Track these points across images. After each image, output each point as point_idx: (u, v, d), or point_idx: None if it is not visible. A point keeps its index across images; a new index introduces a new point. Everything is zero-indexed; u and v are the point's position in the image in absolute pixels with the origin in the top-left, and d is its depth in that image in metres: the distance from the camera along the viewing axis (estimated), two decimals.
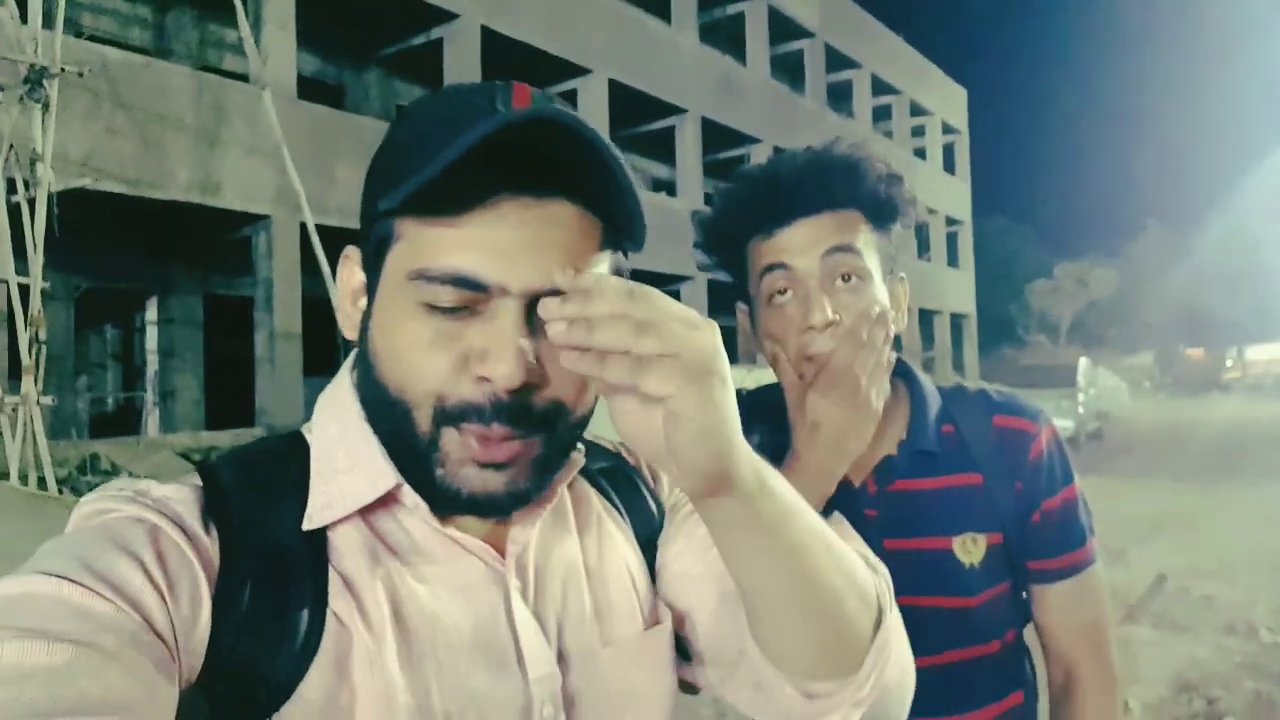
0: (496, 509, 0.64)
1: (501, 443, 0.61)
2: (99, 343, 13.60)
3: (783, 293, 1.12)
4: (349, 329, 0.69)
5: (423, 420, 0.62)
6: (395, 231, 0.63)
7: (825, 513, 1.13)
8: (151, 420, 12.74)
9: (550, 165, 0.60)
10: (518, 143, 0.58)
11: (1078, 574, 1.19)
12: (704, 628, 0.76)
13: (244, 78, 11.25)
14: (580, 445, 0.74)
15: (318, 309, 11.03)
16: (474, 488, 0.62)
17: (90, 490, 0.64)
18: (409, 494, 0.65)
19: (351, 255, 0.69)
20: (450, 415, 0.61)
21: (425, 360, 0.61)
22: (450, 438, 0.61)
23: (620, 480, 0.82)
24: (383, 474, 0.64)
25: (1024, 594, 1.22)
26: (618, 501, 0.81)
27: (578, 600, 0.72)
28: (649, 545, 0.80)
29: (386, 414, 0.63)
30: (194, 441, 10.69)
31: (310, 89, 12.57)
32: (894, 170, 1.15)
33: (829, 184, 1.11)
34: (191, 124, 10.28)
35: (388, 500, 0.65)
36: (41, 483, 7.47)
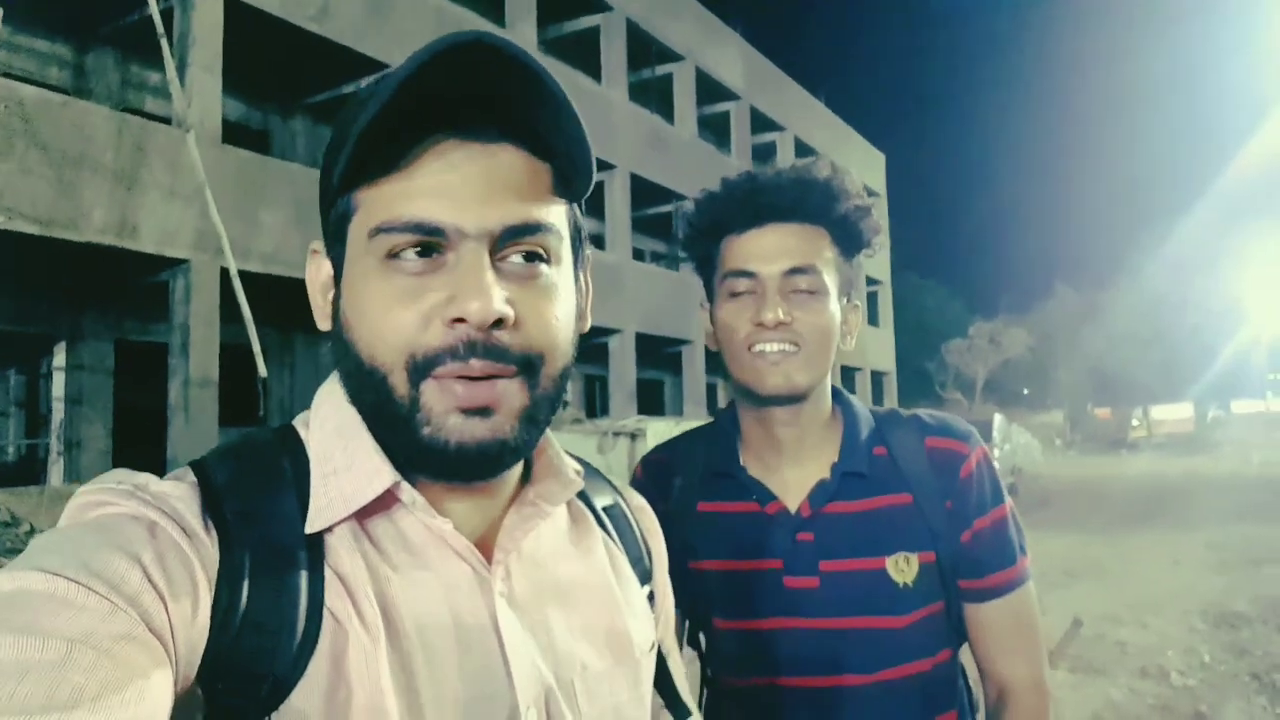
0: (484, 460, 0.63)
1: (483, 382, 0.61)
2: (1, 388, 13.02)
3: (742, 292, 1.17)
4: (322, 320, 0.69)
5: (399, 383, 0.61)
6: (352, 204, 0.64)
7: (766, 539, 1.16)
8: (56, 470, 12.19)
9: (491, 103, 0.61)
10: (456, 85, 0.59)
11: (1010, 592, 1.20)
12: None
13: (167, 120, 11.06)
14: (579, 468, 0.76)
15: (236, 356, 10.77)
16: (460, 437, 0.61)
17: None
18: (406, 490, 0.64)
19: (317, 248, 0.70)
20: (424, 367, 0.61)
21: (392, 319, 0.61)
22: (429, 390, 0.61)
23: (619, 519, 0.84)
24: (379, 472, 0.64)
25: (958, 613, 1.23)
26: (615, 537, 0.82)
27: (567, 614, 0.71)
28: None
29: (366, 386, 0.63)
30: None
31: (235, 134, 12.41)
32: (867, 201, 1.21)
33: (806, 197, 1.17)
34: (110, 165, 10.04)
35: (386, 498, 0.65)
36: None
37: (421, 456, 0.63)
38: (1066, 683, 5.11)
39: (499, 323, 0.61)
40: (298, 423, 0.70)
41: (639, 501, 0.89)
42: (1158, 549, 10.00)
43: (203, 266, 10.72)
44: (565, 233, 0.67)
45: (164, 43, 9.63)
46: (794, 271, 1.15)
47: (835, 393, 1.26)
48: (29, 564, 0.52)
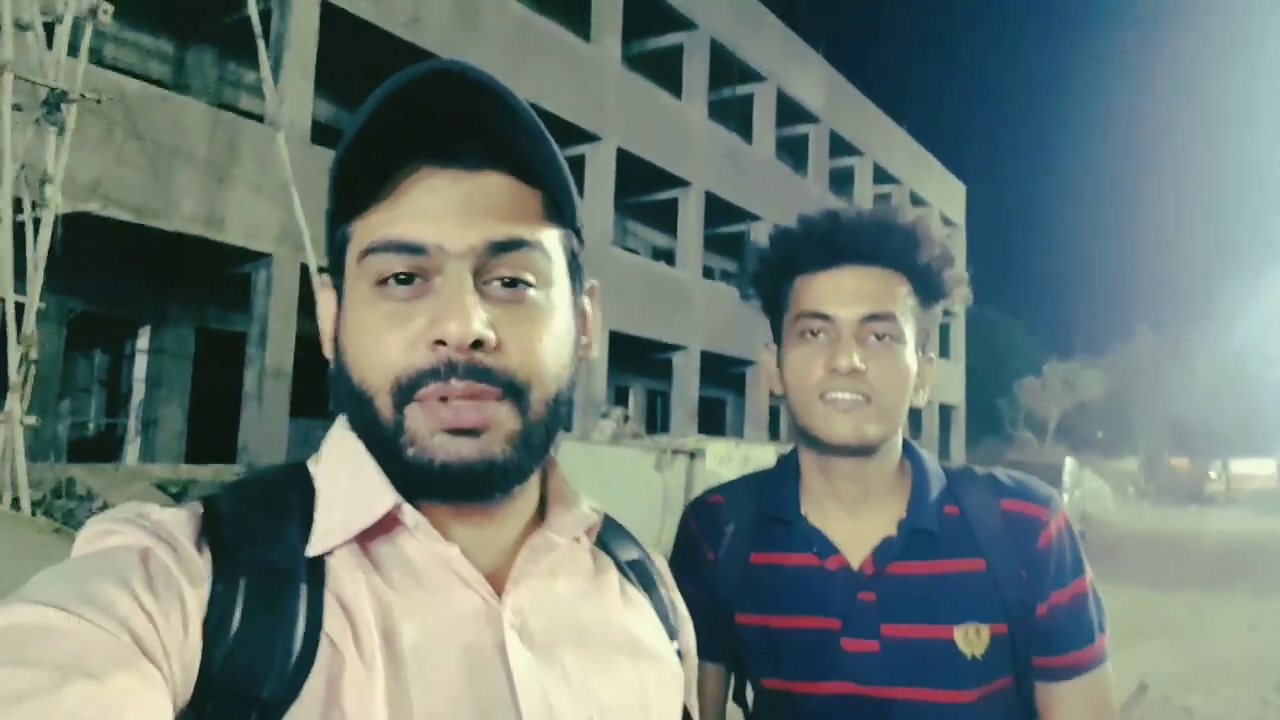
0: (473, 480, 0.62)
1: (467, 403, 0.61)
2: (86, 367, 13.51)
3: (815, 334, 1.12)
4: (328, 349, 0.70)
5: (385, 406, 0.62)
6: (348, 233, 0.66)
7: (824, 596, 1.11)
8: (132, 449, 12.60)
9: (467, 130, 0.62)
10: (436, 112, 0.61)
11: (1086, 673, 1.13)
12: None
13: (259, 118, 11.38)
14: (597, 508, 0.75)
15: (311, 350, 10.99)
16: (446, 455, 0.61)
17: (63, 515, 0.63)
18: (410, 514, 0.64)
19: (325, 280, 0.71)
20: (407, 390, 0.61)
21: (380, 343, 0.62)
22: (413, 414, 0.61)
23: (643, 574, 0.82)
24: (381, 495, 0.63)
25: (1028, 689, 1.16)
26: (641, 590, 0.80)
27: (586, 655, 0.69)
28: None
29: (358, 410, 0.64)
30: (173, 473, 10.55)
31: (324, 134, 12.73)
32: (950, 250, 1.16)
33: (886, 241, 1.12)
34: (202, 158, 10.37)
35: (389, 522, 0.64)
36: (15, 503, 7.34)
37: (411, 477, 0.63)
38: None
39: (481, 344, 0.60)
40: (310, 462, 0.71)
41: (659, 556, 0.88)
42: (1233, 612, 9.59)
43: (284, 261, 11.00)
44: (557, 255, 0.67)
45: (260, 43, 9.93)
46: (872, 318, 1.10)
47: (906, 445, 1.20)
48: (20, 598, 0.52)
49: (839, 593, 1.13)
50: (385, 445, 0.63)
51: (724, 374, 20.95)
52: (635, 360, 18.53)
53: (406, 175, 0.63)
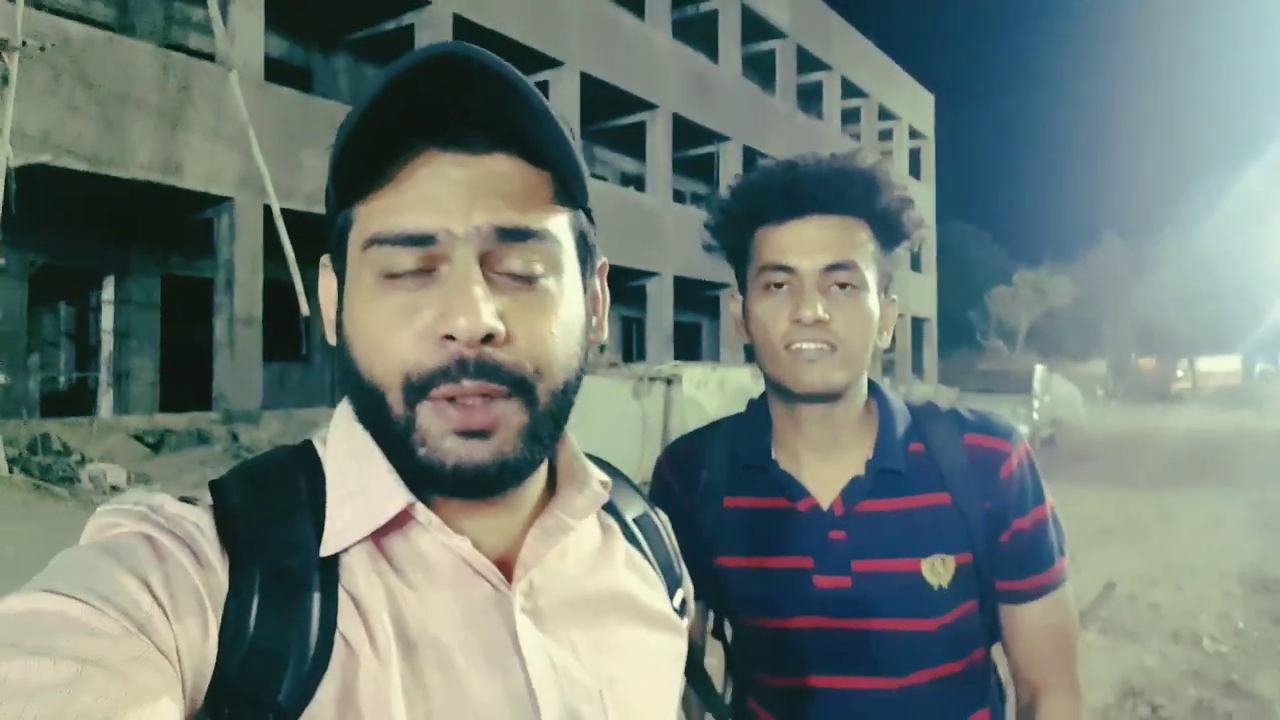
0: (485, 481, 0.62)
1: (478, 403, 0.60)
2: (52, 321, 13.32)
3: (779, 286, 1.14)
4: (331, 334, 0.68)
5: (395, 403, 0.61)
6: (350, 218, 0.64)
7: (797, 537, 1.15)
8: (105, 401, 12.51)
9: (473, 114, 0.61)
10: (440, 97, 0.59)
11: (1047, 594, 1.18)
12: None
13: (210, 58, 11.06)
14: (606, 479, 0.74)
15: (279, 293, 10.89)
16: (458, 458, 0.61)
17: (40, 470, 0.63)
18: (422, 511, 0.64)
19: (325, 263, 0.69)
20: (419, 388, 0.60)
21: (389, 337, 0.60)
22: (425, 412, 0.60)
23: (650, 530, 0.83)
24: (393, 494, 0.63)
25: (992, 611, 1.22)
26: (648, 551, 0.81)
27: (593, 628, 0.70)
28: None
29: (367, 405, 0.63)
30: (148, 424, 10.51)
31: (278, 72, 12.40)
32: (907, 193, 1.17)
33: (847, 189, 1.13)
34: (155, 103, 10.09)
35: (402, 518, 0.64)
36: None
37: (422, 476, 0.63)
38: (1097, 645, 5.10)
39: (491, 337, 0.59)
40: (316, 440, 0.70)
41: (663, 513, 0.89)
42: (1198, 508, 9.86)
43: (246, 204, 10.82)
44: (566, 240, 0.66)
45: None
46: (834, 267, 1.11)
47: (871, 387, 1.23)
48: (40, 585, 0.52)
49: (811, 533, 1.17)
50: (396, 442, 0.62)
51: (697, 298, 20.96)
52: (609, 288, 18.45)
53: (410, 160, 0.61)
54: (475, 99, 0.60)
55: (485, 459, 0.61)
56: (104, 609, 0.52)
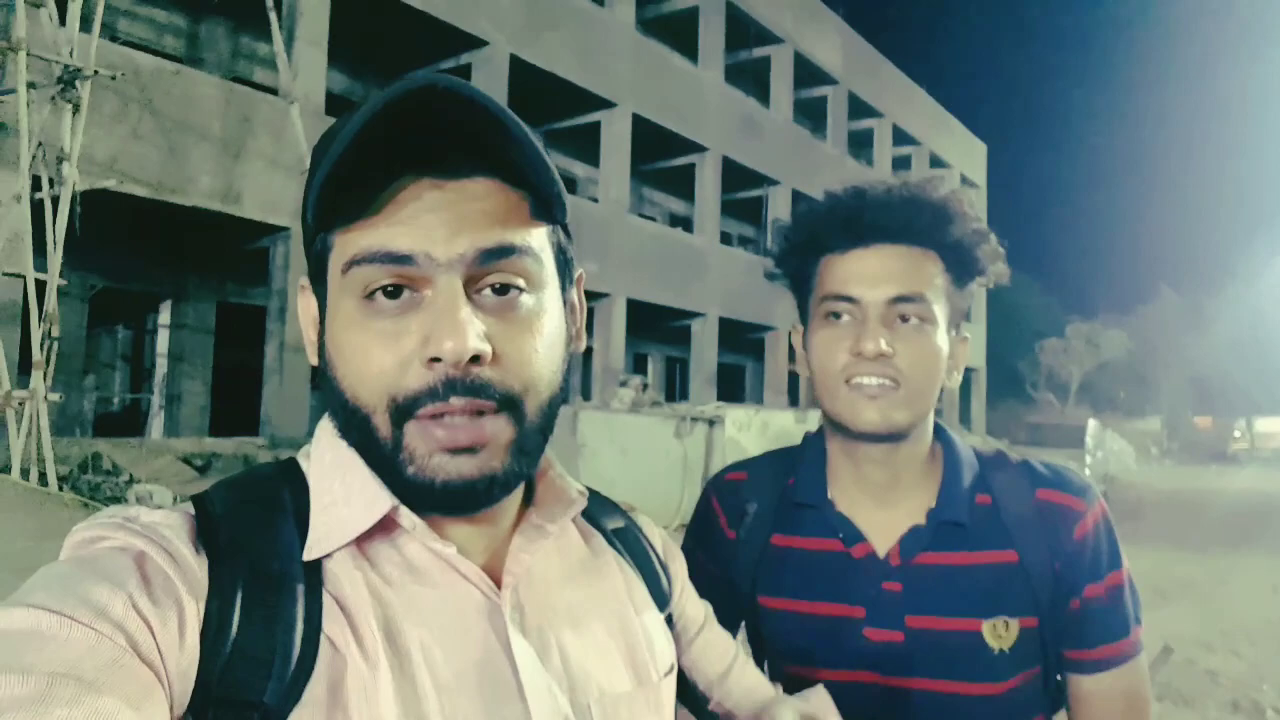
0: (473, 496, 0.63)
1: (464, 420, 0.60)
2: (109, 343, 13.64)
3: (840, 317, 1.08)
4: (312, 355, 0.69)
5: (381, 424, 0.61)
6: (330, 242, 0.64)
7: (848, 584, 1.09)
8: (156, 423, 12.74)
9: (455, 142, 0.61)
10: (418, 123, 0.59)
11: (1119, 666, 1.10)
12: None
13: (273, 91, 11.36)
14: (583, 489, 0.75)
15: None
16: (447, 475, 0.61)
17: (90, 489, 0.62)
18: (406, 515, 0.64)
19: (305, 285, 0.70)
20: (405, 409, 0.60)
21: (373, 361, 0.61)
22: (412, 432, 0.61)
23: (632, 542, 0.83)
24: (377, 499, 0.63)
25: (1056, 679, 1.14)
26: (629, 559, 0.81)
27: (581, 637, 0.70)
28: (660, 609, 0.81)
29: (351, 425, 0.63)
30: (197, 447, 10.67)
31: (338, 106, 12.69)
32: (983, 226, 1.10)
33: (916, 218, 1.07)
34: (217, 133, 10.37)
35: (386, 524, 0.64)
36: (43, 479, 7.44)
37: (410, 494, 0.63)
38: (1153, 713, 4.91)
39: (477, 359, 0.60)
40: (300, 456, 0.70)
41: (647, 520, 0.88)
42: (1255, 572, 9.51)
43: (301, 235, 11.02)
44: (546, 256, 0.66)
45: (273, 15, 9.89)
46: (899, 300, 1.05)
47: (938, 430, 1.16)
48: (14, 601, 0.52)
49: (863, 581, 1.10)
50: (383, 461, 0.63)
51: (742, 340, 20.90)
52: (653, 328, 18.51)
53: (390, 185, 0.61)
54: (451, 121, 0.60)
55: (473, 474, 0.62)
56: (77, 616, 0.51)
